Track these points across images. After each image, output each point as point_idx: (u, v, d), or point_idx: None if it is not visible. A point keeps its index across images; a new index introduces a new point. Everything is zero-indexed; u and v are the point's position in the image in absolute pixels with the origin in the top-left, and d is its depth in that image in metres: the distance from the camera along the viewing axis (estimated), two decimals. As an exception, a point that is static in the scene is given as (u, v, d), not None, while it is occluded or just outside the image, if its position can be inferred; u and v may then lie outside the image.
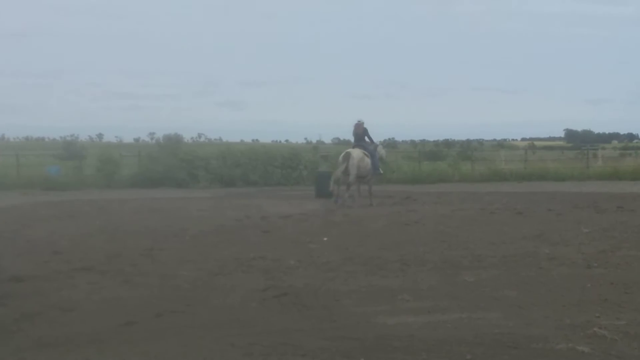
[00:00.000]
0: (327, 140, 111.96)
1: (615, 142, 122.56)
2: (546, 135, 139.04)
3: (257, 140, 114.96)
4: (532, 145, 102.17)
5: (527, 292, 10.48)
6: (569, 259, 13.21)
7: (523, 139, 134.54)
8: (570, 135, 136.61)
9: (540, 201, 25.31)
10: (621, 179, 37.99)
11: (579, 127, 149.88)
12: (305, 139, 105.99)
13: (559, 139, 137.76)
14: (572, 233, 16.70)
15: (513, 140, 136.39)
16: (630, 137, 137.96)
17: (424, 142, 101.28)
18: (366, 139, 26.65)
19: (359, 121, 26.68)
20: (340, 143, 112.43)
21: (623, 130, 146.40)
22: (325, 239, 16.27)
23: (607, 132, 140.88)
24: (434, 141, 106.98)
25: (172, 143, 42.42)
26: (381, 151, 28.30)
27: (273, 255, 14.00)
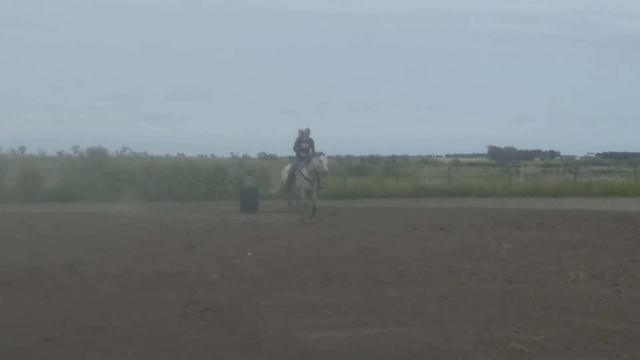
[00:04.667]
0: (254, 155, 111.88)
1: (537, 159, 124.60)
2: (470, 152, 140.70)
3: (182, 154, 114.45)
4: (456, 162, 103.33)
5: (448, 307, 10.59)
6: (489, 275, 13.40)
7: (447, 155, 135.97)
8: (494, 152, 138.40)
9: (463, 217, 25.57)
10: (542, 196, 38.55)
11: (502, 143, 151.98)
12: (232, 153, 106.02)
13: (483, 155, 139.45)
14: (493, 249, 16.93)
15: (438, 156, 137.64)
16: (552, 154, 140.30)
17: (349, 158, 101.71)
18: (310, 151, 24.80)
19: (305, 129, 25.20)
20: (266, 158, 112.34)
21: (545, 147, 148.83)
22: (249, 253, 16.22)
23: (529, 149, 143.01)
24: (359, 157, 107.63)
25: (96, 157, 41.79)
26: (317, 161, 24.38)
27: (196, 270, 13.92)
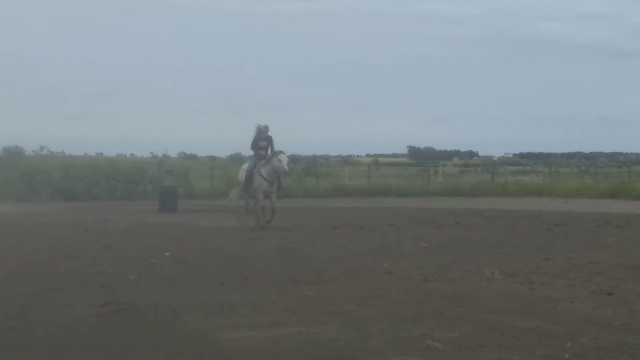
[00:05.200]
0: (174, 154, 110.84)
1: (456, 159, 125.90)
2: (390, 152, 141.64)
3: (101, 153, 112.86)
4: (376, 162, 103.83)
5: (365, 306, 10.67)
6: (407, 274, 13.54)
7: (368, 155, 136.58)
8: (413, 151, 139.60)
9: (381, 217, 25.79)
10: (460, 195, 39.11)
11: (421, 144, 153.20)
12: (151, 153, 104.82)
13: (403, 155, 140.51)
14: (411, 248, 17.13)
15: (358, 156, 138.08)
16: (470, 154, 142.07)
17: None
18: (269, 150, 22.65)
19: (264, 126, 23.01)
20: (186, 157, 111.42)
21: (464, 147, 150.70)
22: (167, 253, 16.11)
23: (448, 149, 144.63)
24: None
25: (12, 156, 41.21)
26: (276, 161, 22.25)
27: (113, 270, 13.78)
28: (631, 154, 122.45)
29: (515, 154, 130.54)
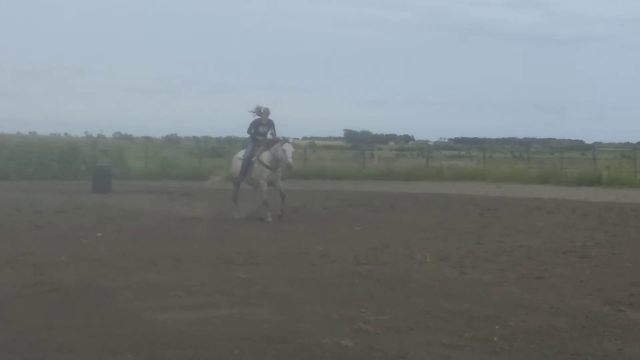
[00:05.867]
0: (108, 134, 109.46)
1: (392, 143, 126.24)
2: (327, 135, 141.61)
3: (34, 132, 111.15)
4: (312, 144, 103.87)
5: (298, 288, 10.69)
6: (340, 256, 13.59)
7: (304, 138, 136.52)
8: (350, 135, 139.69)
9: (317, 199, 25.81)
10: (395, 179, 39.25)
11: (358, 127, 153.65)
12: (86, 132, 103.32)
13: (339, 138, 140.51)
14: (345, 231, 17.20)
15: (295, 138, 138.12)
16: (407, 138, 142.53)
17: (206, 139, 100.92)
18: (269, 135, 20.51)
19: (264, 109, 20.62)
20: (121, 138, 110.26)
21: (400, 131, 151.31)
22: (99, 234, 15.98)
23: (384, 133, 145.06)
24: (216, 138, 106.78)
25: (-58, 134, 40.34)
26: (280, 151, 19.66)
27: (44, 251, 13.60)
28: (564, 140, 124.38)
29: (450, 139, 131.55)
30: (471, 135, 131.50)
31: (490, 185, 36.10)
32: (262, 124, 20.49)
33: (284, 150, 19.49)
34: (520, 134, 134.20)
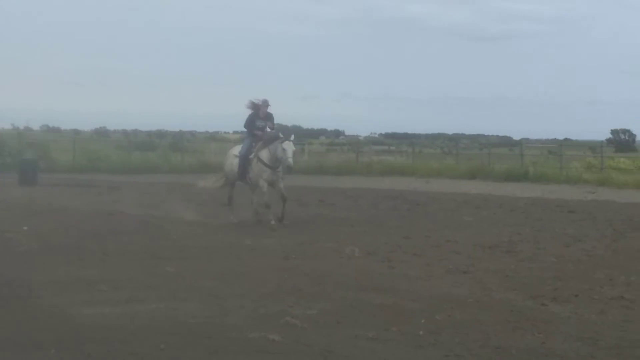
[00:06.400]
0: (36, 127, 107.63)
1: (322, 138, 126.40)
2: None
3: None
4: (243, 139, 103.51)
5: (225, 282, 10.68)
6: (268, 251, 13.63)
7: (235, 132, 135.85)
8: (281, 130, 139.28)
9: (246, 193, 25.61)
10: (325, 174, 39.24)
11: (289, 122, 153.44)
12: (12, 124, 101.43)
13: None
14: (273, 226, 17.13)
15: (225, 132, 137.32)
16: (337, 133, 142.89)
17: (136, 132, 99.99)
18: (268, 129, 18.46)
19: (262, 100, 18.41)
20: (49, 130, 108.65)
21: (331, 126, 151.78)
22: (25, 228, 15.71)
23: (315, 128, 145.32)
24: (146, 131, 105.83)
25: None
26: (280, 150, 17.49)
27: (-33, 245, 13.36)
28: (492, 136, 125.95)
29: (380, 134, 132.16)
30: (401, 130, 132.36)
31: (419, 180, 36.36)
32: (259, 118, 18.34)
33: (283, 150, 17.34)
34: (449, 130, 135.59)
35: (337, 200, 24.31)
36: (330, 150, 69.42)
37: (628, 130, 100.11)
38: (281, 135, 17.71)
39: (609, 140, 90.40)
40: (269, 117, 18.42)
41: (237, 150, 19.04)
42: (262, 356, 7.22)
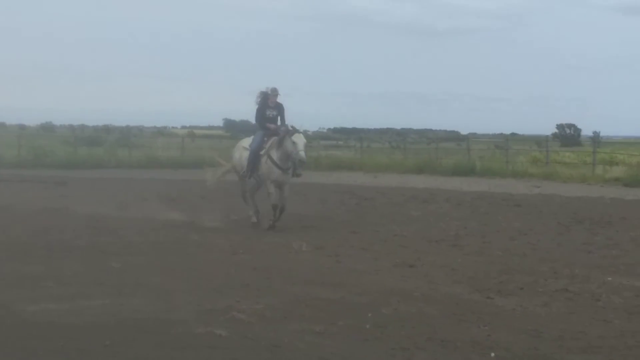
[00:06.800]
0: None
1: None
2: (206, 124, 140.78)
3: None
4: (191, 134, 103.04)
5: (172, 278, 10.64)
6: (216, 246, 13.61)
7: (183, 127, 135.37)
8: (229, 124, 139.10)
9: (194, 189, 25.54)
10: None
11: (237, 117, 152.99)
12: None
13: (219, 128, 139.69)
14: (222, 220, 17.09)
15: (173, 127, 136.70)
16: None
17: (83, 127, 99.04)
18: (279, 123, 16.98)
19: (272, 89, 17.00)
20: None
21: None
22: (-33, 224, 15.51)
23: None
24: (93, 126, 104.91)
25: None
26: (289, 143, 16.01)
27: None
28: (440, 130, 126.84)
29: (329, 129, 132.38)
30: (349, 125, 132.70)
31: (367, 175, 36.47)
32: (269, 107, 16.89)
33: (293, 143, 15.88)
34: (398, 125, 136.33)
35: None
36: (279, 145, 69.20)
37: (573, 125, 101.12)
38: (290, 128, 16.29)
39: (554, 135, 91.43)
40: (279, 107, 17.02)
41: (247, 142, 17.53)
42: (208, 351, 7.21)
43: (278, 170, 16.32)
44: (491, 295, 9.96)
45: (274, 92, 16.84)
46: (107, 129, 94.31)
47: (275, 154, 16.32)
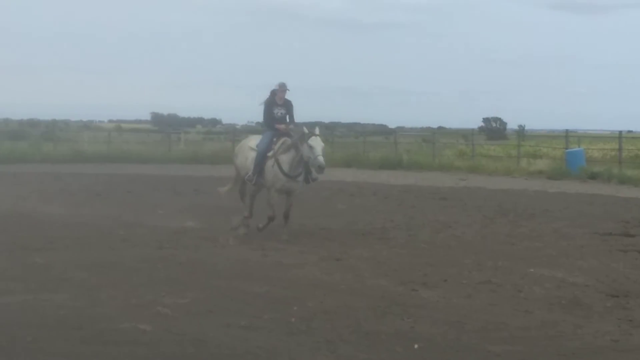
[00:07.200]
0: None
1: (199, 127, 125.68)
2: (133, 118, 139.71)
3: None
4: (118, 127, 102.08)
5: (97, 273, 10.55)
6: (142, 241, 13.50)
7: (110, 121, 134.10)
8: (157, 118, 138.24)
9: (120, 183, 25.32)
10: (201, 163, 38.99)
11: (165, 110, 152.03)
12: None
13: (146, 121, 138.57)
14: (148, 215, 16.96)
15: (100, 121, 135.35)
16: (214, 122, 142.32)
17: (7, 121, 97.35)
18: (287, 119, 15.19)
19: (280, 84, 15.16)
20: None
21: (208, 115, 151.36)
22: None
23: (192, 117, 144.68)
24: (18, 120, 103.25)
25: None
26: (306, 148, 14.07)
27: None
28: (368, 124, 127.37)
29: (258, 123, 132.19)
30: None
31: (295, 169, 36.47)
32: (276, 105, 15.15)
33: (310, 147, 14.03)
34: (326, 118, 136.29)
35: (212, 189, 24.11)
36: (207, 139, 69.04)
37: (499, 119, 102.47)
38: (306, 130, 14.30)
39: (480, 129, 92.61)
40: (288, 104, 15.23)
41: (254, 142, 15.47)
42: (132, 346, 7.18)
43: (284, 178, 14.51)
44: (416, 287, 10.09)
45: (282, 87, 15.07)
46: (32, 123, 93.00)
47: (284, 159, 14.47)
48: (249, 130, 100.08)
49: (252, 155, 15.02)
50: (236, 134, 62.48)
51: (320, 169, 14.02)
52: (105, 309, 8.56)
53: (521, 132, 63.03)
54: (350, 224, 16.24)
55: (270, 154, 14.64)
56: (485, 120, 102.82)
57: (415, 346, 7.38)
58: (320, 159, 13.91)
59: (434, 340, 7.61)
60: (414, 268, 11.41)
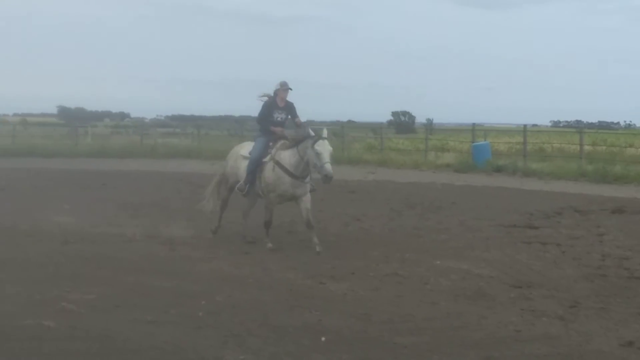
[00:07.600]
0: None
1: (107, 120, 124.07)
2: (39, 112, 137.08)
3: None
4: (24, 121, 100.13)
5: (0, 269, 10.36)
6: (46, 235, 13.29)
7: (15, 114, 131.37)
8: (64, 112, 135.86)
9: (25, 178, 24.84)
10: (109, 157, 38.49)
11: (72, 104, 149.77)
12: None
13: (53, 115, 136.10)
14: (53, 210, 16.65)
15: (5, 115, 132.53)
16: (122, 115, 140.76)
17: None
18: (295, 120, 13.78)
19: (282, 82, 13.55)
20: None
21: (116, 108, 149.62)
22: None
23: (100, 110, 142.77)
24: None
25: None
26: (312, 154, 12.47)
27: None
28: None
29: (167, 116, 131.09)
30: (187, 112, 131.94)
31: (204, 162, 36.27)
32: (277, 107, 13.48)
33: (317, 153, 12.40)
34: (236, 112, 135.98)
35: (119, 183, 23.85)
36: (115, 132, 68.26)
37: (408, 113, 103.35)
38: (312, 133, 12.72)
39: (390, 122, 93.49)
40: (290, 107, 13.62)
41: (245, 149, 13.83)
42: (36, 343, 7.08)
43: (289, 180, 12.86)
44: (324, 280, 10.16)
45: (284, 87, 13.45)
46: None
47: (286, 158, 12.89)
48: (157, 124, 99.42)
49: (245, 164, 13.50)
50: (144, 127, 61.96)
51: (327, 178, 12.30)
52: (8, 305, 8.41)
53: (429, 126, 63.85)
54: (259, 218, 16.17)
55: (267, 158, 13.09)
56: (394, 114, 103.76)
57: (323, 339, 7.43)
58: (328, 167, 12.29)
59: (341, 332, 7.66)
60: (322, 261, 11.50)
